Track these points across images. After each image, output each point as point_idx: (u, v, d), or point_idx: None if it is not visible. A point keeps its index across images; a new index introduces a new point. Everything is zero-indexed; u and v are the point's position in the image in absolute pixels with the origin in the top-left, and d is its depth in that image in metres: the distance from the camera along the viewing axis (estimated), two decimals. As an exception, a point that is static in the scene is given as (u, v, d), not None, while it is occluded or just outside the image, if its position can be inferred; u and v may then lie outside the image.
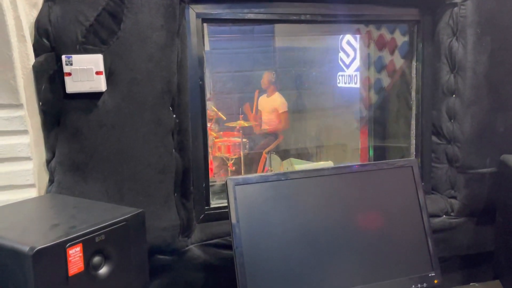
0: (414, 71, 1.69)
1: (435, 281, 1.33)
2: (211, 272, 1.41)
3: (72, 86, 1.20)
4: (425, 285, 1.32)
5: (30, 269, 0.81)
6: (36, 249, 0.81)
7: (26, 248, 0.81)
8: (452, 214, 1.61)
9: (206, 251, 1.40)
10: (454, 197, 1.61)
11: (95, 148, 1.22)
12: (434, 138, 1.66)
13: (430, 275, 1.34)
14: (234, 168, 3.77)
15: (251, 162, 3.93)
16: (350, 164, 1.39)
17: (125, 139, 1.24)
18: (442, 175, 1.64)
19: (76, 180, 1.22)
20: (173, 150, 1.31)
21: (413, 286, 1.31)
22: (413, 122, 1.71)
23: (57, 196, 1.19)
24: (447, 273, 1.50)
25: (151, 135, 1.26)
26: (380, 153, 2.25)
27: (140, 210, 1.03)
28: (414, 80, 1.69)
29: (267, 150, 3.93)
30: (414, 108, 1.70)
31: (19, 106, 1.17)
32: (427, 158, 1.67)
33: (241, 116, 3.99)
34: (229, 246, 1.34)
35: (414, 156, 1.70)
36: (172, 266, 1.37)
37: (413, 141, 1.71)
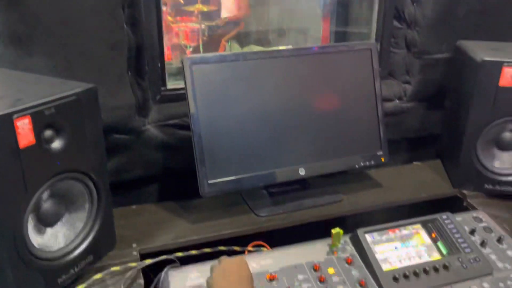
0: (380, -50, 1.60)
1: (382, 159, 1.43)
2: (169, 152, 1.43)
3: None
4: (372, 162, 1.41)
5: (-24, 140, 0.78)
6: (-20, 119, 0.77)
7: (-31, 119, 0.78)
8: (404, 98, 1.66)
9: (164, 131, 1.40)
10: (408, 82, 1.65)
11: (37, 17, 1.11)
12: (395, 23, 1.64)
13: (378, 154, 1.42)
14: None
15: (210, 50, 3.81)
16: (309, 46, 1.37)
17: (70, 9, 1.14)
18: (399, 61, 1.66)
19: (19, 54, 1.13)
20: (124, 24, 1.22)
21: (362, 163, 1.40)
22: (375, 7, 1.67)
23: (0, 70, 1.12)
24: (394, 153, 1.59)
25: (99, 6, 1.16)
26: (342, 40, 2.21)
27: (92, 85, 1.00)
28: (380, -40, 1.61)
29: (226, 38, 3.79)
30: (378, -10, 1.65)
31: None
32: (387, 43, 1.67)
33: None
34: (186, 127, 1.35)
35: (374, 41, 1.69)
36: (130, 146, 1.37)
37: (374, 26, 1.69)
